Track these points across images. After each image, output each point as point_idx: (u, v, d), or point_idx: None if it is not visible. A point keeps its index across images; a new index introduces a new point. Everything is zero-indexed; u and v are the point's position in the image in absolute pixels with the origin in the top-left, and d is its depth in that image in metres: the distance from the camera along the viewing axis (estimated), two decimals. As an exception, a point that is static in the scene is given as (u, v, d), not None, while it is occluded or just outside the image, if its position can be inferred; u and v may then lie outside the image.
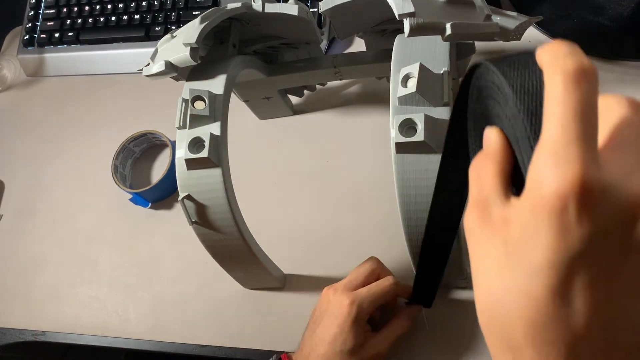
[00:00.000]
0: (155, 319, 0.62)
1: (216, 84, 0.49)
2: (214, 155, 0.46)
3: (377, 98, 0.69)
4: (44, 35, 0.84)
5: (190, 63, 0.47)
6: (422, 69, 0.41)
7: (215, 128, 0.46)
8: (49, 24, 0.85)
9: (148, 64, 0.51)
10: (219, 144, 0.46)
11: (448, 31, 0.40)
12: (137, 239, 0.68)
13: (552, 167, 0.20)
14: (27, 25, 0.86)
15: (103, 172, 0.72)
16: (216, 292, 0.62)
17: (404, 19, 0.39)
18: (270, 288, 0.60)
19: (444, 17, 0.41)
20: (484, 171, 0.25)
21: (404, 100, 0.41)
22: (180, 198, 0.47)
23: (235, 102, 0.74)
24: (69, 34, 0.83)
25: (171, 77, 0.52)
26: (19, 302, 0.68)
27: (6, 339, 0.66)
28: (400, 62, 0.43)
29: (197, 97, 0.47)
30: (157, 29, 0.78)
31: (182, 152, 0.46)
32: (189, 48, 0.46)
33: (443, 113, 0.41)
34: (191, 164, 0.46)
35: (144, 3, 0.80)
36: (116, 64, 0.82)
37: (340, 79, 0.61)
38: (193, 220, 0.48)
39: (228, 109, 0.49)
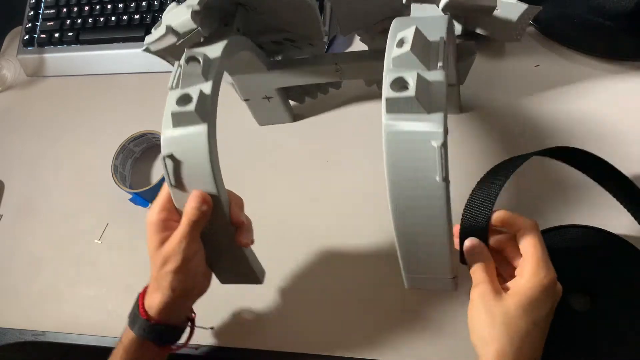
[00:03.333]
0: (155, 319, 0.62)
1: (214, 49, 0.47)
2: (201, 111, 0.44)
3: (377, 103, 0.69)
4: (44, 35, 0.84)
5: (192, 27, 0.46)
6: (418, 32, 0.39)
7: (206, 87, 0.45)
8: (48, 24, 0.85)
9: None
10: (207, 101, 0.45)
11: None
12: (137, 239, 0.68)
13: (547, 268, 0.42)
14: (27, 25, 0.86)
15: (103, 172, 0.72)
16: (215, 292, 0.62)
17: None
18: (252, 285, 0.56)
19: None
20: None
21: (398, 61, 0.39)
22: (162, 156, 0.45)
23: (236, 105, 0.75)
24: (69, 34, 0.83)
25: (171, 57, 0.51)
26: (19, 302, 0.68)
27: (6, 339, 0.66)
28: (396, 32, 0.42)
29: (192, 59, 0.46)
30: (157, 29, 0.78)
31: (170, 108, 0.45)
32: (190, 10, 0.45)
33: (437, 76, 0.39)
34: (177, 118, 0.44)
35: (144, 3, 0.80)
36: (116, 64, 0.82)
37: (341, 79, 0.61)
38: (173, 183, 0.46)
39: (222, 75, 0.47)
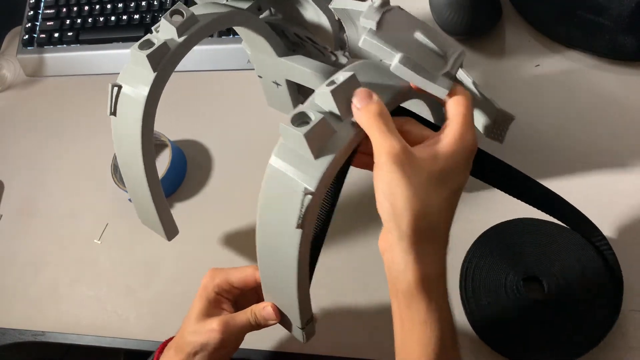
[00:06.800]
0: (155, 319, 0.62)
1: (203, 10, 0.47)
2: (153, 60, 0.44)
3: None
4: (44, 35, 0.84)
5: None
6: (352, 79, 0.37)
7: (172, 43, 0.45)
8: (48, 23, 0.85)
9: None
10: (165, 54, 0.45)
11: (395, 60, 0.38)
12: (137, 239, 0.68)
13: (474, 133, 0.37)
14: (27, 25, 0.86)
15: (103, 172, 0.72)
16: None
17: (364, 31, 0.39)
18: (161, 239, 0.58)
19: (404, 50, 0.39)
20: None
21: (319, 98, 0.38)
22: (112, 83, 0.47)
23: (241, 99, 0.75)
24: (69, 33, 0.83)
25: None
26: (19, 302, 0.68)
27: (6, 339, 0.66)
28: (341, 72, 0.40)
29: (177, 12, 0.46)
30: (156, 28, 0.78)
31: (134, 46, 0.46)
32: None
33: (344, 128, 0.37)
34: (134, 59, 0.46)
35: (143, 3, 0.80)
36: (116, 64, 0.82)
37: None
38: (111, 110, 0.47)
39: (199, 38, 0.47)
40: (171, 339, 0.51)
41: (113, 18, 0.81)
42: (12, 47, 0.91)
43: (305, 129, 0.35)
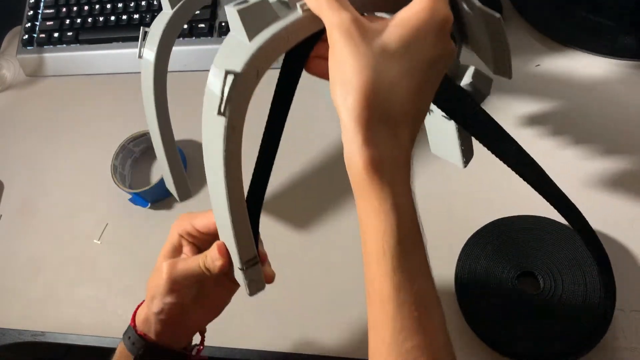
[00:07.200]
0: (155, 319, 0.62)
1: None
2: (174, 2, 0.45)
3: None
4: (43, 35, 0.84)
5: None
6: None
7: None
8: (48, 23, 0.85)
9: None
10: None
11: None
12: (136, 239, 0.68)
13: (445, 4, 0.32)
14: (27, 25, 0.86)
15: (103, 172, 0.72)
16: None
17: None
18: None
19: None
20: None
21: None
22: (143, 28, 0.47)
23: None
24: (68, 33, 0.83)
25: None
26: (19, 302, 0.68)
27: (6, 339, 0.66)
28: None
29: None
30: (156, 28, 0.78)
31: None
32: None
33: (288, 14, 0.33)
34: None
35: (143, 3, 0.80)
36: (116, 64, 0.82)
37: None
38: (140, 54, 0.48)
39: None
40: None
41: (113, 18, 0.81)
42: (12, 47, 0.91)
43: (241, 5, 0.32)
